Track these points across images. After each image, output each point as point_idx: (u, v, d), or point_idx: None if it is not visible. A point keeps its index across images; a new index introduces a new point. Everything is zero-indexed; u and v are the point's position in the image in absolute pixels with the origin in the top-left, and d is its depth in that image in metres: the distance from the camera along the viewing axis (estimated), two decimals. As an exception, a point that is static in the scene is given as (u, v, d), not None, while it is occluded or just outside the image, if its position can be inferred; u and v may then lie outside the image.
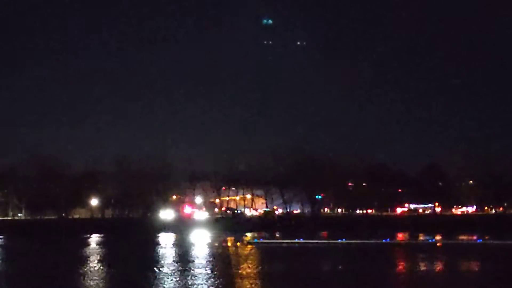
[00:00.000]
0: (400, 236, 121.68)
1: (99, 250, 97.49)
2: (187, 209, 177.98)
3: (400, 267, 69.52)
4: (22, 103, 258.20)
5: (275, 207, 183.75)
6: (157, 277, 58.27)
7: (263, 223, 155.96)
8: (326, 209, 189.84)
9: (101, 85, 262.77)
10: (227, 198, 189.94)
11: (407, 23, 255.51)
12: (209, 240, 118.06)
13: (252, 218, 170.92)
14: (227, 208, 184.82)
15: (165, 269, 64.60)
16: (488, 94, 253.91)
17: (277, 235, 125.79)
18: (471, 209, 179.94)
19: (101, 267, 69.22)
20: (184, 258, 78.33)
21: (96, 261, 76.38)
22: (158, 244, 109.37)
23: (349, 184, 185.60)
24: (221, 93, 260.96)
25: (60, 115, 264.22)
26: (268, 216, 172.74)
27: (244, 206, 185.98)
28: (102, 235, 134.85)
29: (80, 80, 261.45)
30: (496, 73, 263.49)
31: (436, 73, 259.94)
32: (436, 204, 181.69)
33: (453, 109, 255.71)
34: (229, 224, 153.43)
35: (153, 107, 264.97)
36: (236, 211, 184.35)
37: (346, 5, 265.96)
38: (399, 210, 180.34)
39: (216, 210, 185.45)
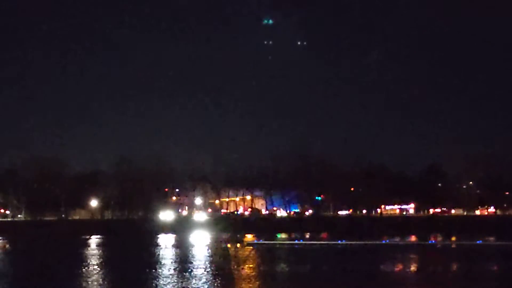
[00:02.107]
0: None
1: (99, 252, 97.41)
2: (184, 210, 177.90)
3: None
4: (22, 104, 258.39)
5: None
6: (157, 278, 58.33)
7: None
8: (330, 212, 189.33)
9: (100, 85, 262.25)
10: (226, 199, 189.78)
11: (406, 23, 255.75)
12: (209, 242, 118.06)
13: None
14: (252, 208, 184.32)
15: (164, 271, 64.64)
16: (488, 94, 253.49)
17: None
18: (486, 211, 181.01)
19: (101, 269, 69.21)
20: (183, 259, 78.38)
21: (96, 263, 76.36)
22: (157, 245, 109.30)
23: (349, 185, 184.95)
24: (221, 93, 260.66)
25: (60, 115, 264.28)
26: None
27: (248, 207, 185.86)
28: (102, 236, 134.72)
29: (80, 80, 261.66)
30: (496, 73, 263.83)
31: (436, 73, 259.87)
32: (416, 204, 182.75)
33: (454, 109, 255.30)
34: (229, 224, 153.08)
35: (153, 108, 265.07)
36: (235, 212, 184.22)
37: (346, 5, 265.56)
38: (431, 211, 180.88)
39: (221, 211, 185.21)
